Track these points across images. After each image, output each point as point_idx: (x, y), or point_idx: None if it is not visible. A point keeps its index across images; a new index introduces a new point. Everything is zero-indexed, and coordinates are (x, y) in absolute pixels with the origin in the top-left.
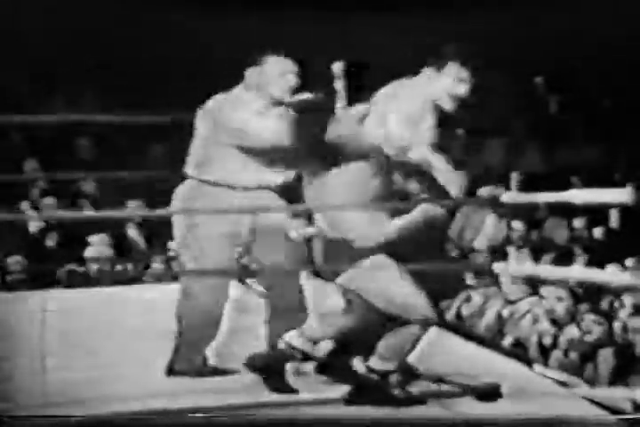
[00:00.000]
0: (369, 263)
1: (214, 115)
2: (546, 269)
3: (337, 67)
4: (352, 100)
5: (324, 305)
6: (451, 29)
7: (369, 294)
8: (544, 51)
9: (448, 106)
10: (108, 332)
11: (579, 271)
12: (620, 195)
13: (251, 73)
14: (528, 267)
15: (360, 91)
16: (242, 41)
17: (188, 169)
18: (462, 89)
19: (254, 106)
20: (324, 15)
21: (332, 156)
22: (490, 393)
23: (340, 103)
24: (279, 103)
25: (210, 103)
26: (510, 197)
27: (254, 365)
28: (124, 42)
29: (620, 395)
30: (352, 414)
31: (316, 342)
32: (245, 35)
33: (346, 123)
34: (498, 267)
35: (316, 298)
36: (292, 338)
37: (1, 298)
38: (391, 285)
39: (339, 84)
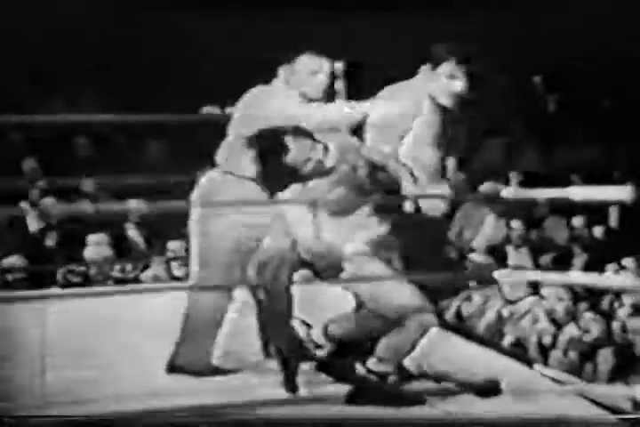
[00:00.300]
0: (359, 266)
1: (252, 104)
2: (546, 276)
3: (337, 67)
4: (352, 99)
5: (337, 307)
6: (451, 29)
7: (365, 297)
8: (544, 51)
9: (446, 103)
10: (107, 332)
11: (578, 277)
12: (619, 192)
13: (283, 70)
14: (529, 274)
15: (360, 91)
16: (242, 41)
17: (217, 160)
18: (458, 86)
19: (294, 98)
20: (324, 15)
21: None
22: (489, 390)
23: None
24: (312, 101)
25: (247, 96)
26: (510, 193)
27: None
28: (123, 42)
29: (619, 393)
30: (352, 415)
31: (332, 341)
32: (245, 35)
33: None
34: (499, 274)
35: (327, 300)
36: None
37: (1, 298)
38: (385, 287)
39: (339, 84)
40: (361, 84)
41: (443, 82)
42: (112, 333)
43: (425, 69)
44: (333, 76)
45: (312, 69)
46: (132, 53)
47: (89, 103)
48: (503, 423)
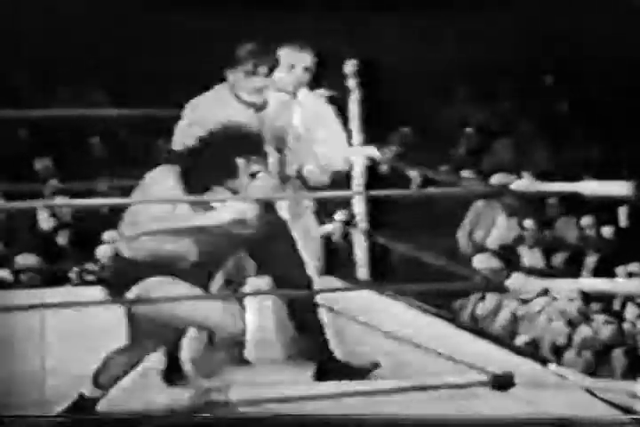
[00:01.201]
0: (153, 283)
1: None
2: (557, 283)
3: (349, 66)
4: (367, 97)
5: None
6: (451, 29)
7: (159, 314)
8: (544, 50)
9: (252, 100)
10: (109, 330)
11: (588, 283)
12: (620, 188)
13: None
14: (540, 282)
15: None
16: (242, 41)
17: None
18: (258, 82)
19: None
20: (325, 15)
21: None
22: (504, 382)
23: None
24: (291, 95)
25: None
26: (520, 185)
27: None
28: (123, 42)
29: (630, 390)
30: (353, 414)
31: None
32: (245, 35)
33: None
34: (511, 282)
35: None
36: None
37: (0, 297)
38: (183, 305)
39: (351, 83)
40: (375, 83)
41: (245, 80)
42: (113, 331)
43: (228, 71)
44: (312, 70)
45: (290, 63)
46: (132, 53)
47: (89, 103)
48: (512, 423)
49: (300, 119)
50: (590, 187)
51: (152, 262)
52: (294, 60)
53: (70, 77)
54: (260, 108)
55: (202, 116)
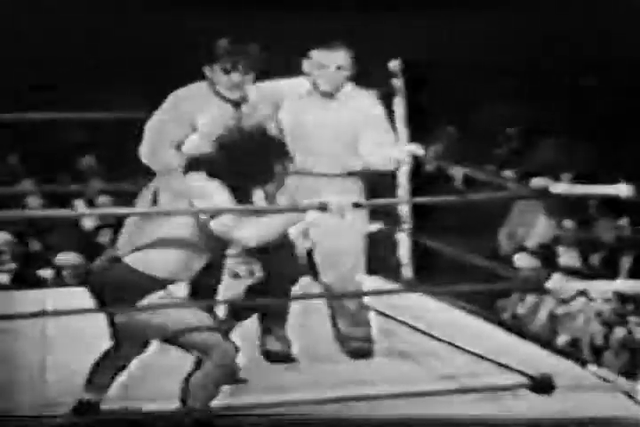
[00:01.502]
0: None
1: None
2: (594, 285)
3: (394, 65)
4: (412, 96)
5: None
6: (451, 29)
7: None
8: (544, 50)
9: (230, 96)
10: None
11: (624, 284)
12: (617, 189)
13: (304, 64)
14: (579, 284)
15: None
16: (242, 41)
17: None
18: (235, 78)
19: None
20: (325, 14)
21: None
22: (544, 385)
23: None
24: (329, 95)
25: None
26: (559, 188)
27: None
28: (123, 42)
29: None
30: (353, 414)
31: None
32: (245, 35)
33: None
34: (551, 283)
35: None
36: None
37: (1, 297)
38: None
39: (397, 82)
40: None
41: (223, 76)
42: None
43: (206, 69)
44: (347, 69)
45: (321, 63)
46: (132, 53)
47: (89, 103)
48: (550, 424)
49: (339, 118)
50: (619, 189)
51: (162, 278)
52: (326, 60)
53: (69, 78)
54: (238, 103)
55: (182, 111)
